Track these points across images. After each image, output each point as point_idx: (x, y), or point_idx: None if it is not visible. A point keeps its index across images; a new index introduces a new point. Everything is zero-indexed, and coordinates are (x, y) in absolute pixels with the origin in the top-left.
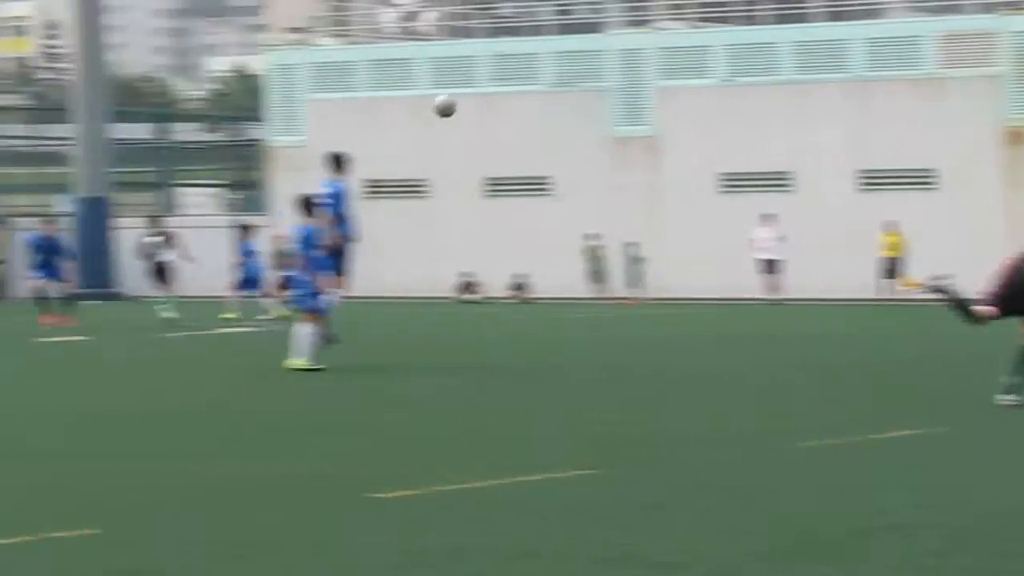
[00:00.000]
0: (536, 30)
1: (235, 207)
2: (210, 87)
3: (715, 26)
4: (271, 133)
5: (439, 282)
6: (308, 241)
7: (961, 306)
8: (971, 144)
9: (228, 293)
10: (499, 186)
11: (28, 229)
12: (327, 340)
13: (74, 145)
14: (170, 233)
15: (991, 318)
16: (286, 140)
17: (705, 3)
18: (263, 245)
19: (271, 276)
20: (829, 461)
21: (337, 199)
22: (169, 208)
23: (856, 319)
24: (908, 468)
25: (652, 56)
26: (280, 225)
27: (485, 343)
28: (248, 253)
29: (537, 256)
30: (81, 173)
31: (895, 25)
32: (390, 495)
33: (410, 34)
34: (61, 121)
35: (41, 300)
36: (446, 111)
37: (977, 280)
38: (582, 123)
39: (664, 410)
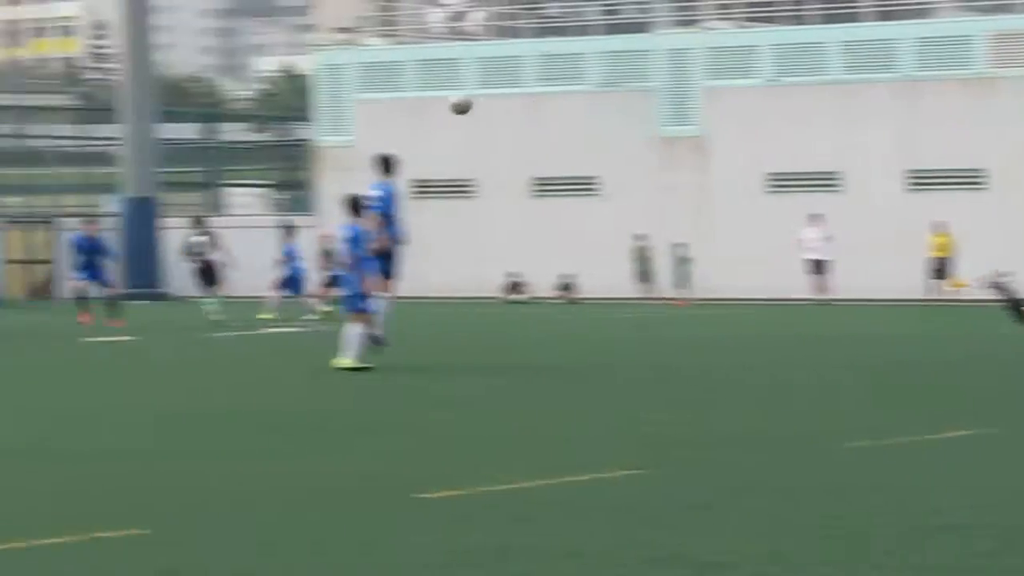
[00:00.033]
0: (583, 30)
1: (282, 207)
2: (258, 87)
3: (762, 26)
4: (318, 133)
5: (486, 282)
6: (356, 241)
7: (1016, 306)
8: (1021, 144)
9: (269, 293)
10: (546, 186)
11: (73, 230)
12: (375, 341)
13: (121, 145)
14: (214, 233)
15: None
16: (333, 140)
17: (752, 3)
18: (309, 245)
19: (316, 275)
20: (879, 461)
21: (386, 201)
22: (216, 208)
23: (904, 320)
24: (959, 469)
25: (699, 56)
26: (327, 224)
27: (531, 343)
28: (291, 254)
29: (584, 256)
30: (128, 173)
31: (945, 25)
32: (436, 495)
33: (457, 34)
34: (109, 121)
35: (81, 300)
36: (462, 109)
37: None
38: (629, 123)
39: (711, 410)
